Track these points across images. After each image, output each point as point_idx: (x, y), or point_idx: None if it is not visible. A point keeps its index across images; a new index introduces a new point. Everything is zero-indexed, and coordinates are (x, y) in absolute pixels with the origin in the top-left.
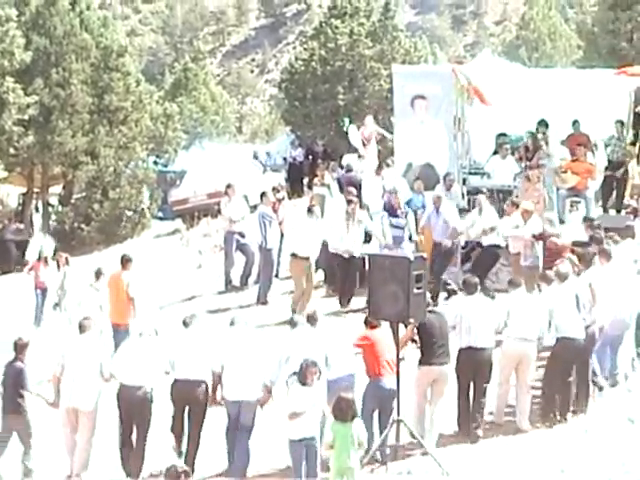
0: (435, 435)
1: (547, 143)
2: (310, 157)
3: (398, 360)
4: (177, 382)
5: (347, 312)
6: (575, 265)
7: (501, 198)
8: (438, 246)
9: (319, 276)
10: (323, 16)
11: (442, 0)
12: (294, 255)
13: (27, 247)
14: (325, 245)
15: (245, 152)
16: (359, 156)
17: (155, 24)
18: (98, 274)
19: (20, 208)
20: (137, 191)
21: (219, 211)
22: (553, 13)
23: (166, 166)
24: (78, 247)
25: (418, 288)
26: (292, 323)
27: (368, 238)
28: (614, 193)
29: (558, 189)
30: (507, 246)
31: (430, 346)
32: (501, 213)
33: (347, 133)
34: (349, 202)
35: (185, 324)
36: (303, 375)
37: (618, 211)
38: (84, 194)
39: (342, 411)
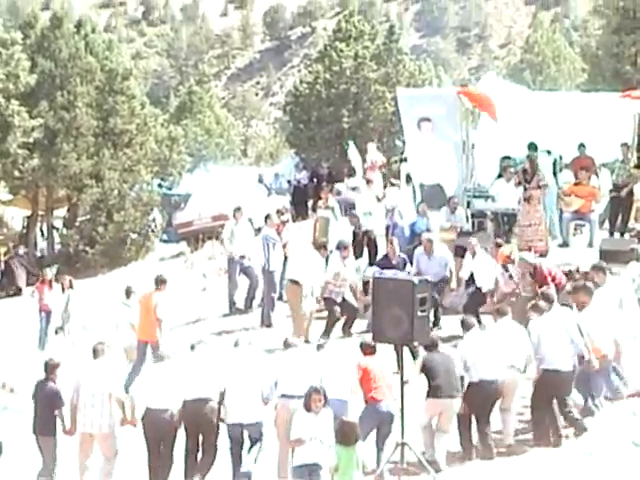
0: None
1: (537, 166)
2: (315, 180)
3: (402, 383)
4: (186, 404)
5: (351, 335)
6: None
7: (505, 221)
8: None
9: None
10: (328, 39)
11: (447, 23)
12: (293, 281)
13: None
14: None
15: (250, 175)
16: (367, 181)
17: (160, 47)
18: (128, 292)
19: (25, 231)
20: (142, 214)
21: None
22: (557, 36)
23: (171, 189)
24: (83, 270)
25: (422, 311)
26: (285, 345)
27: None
28: (619, 217)
29: (562, 212)
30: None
31: (433, 381)
32: (506, 237)
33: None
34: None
35: (192, 348)
36: (307, 402)
37: (622, 234)
38: (89, 217)
39: (345, 435)
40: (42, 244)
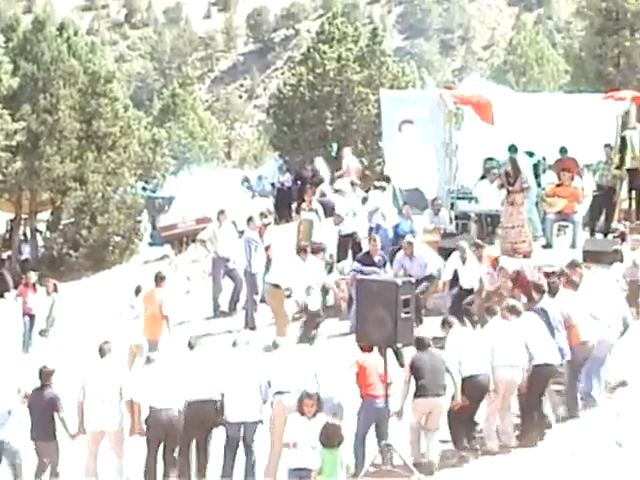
0: (434, 461)
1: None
2: (298, 182)
3: (386, 385)
4: (191, 404)
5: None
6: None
7: (489, 222)
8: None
9: None
10: (311, 41)
11: (430, 25)
12: (274, 285)
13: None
14: None
15: (234, 177)
16: (352, 184)
17: (143, 50)
18: (137, 291)
19: (8, 235)
20: (126, 217)
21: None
22: (540, 38)
23: (154, 192)
24: (67, 273)
25: (406, 312)
26: (274, 345)
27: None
28: (602, 217)
29: (545, 214)
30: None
31: (421, 380)
32: (489, 238)
33: (335, 158)
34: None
35: (190, 346)
36: (299, 406)
37: (605, 235)
38: (72, 220)
39: (329, 437)
40: (26, 247)
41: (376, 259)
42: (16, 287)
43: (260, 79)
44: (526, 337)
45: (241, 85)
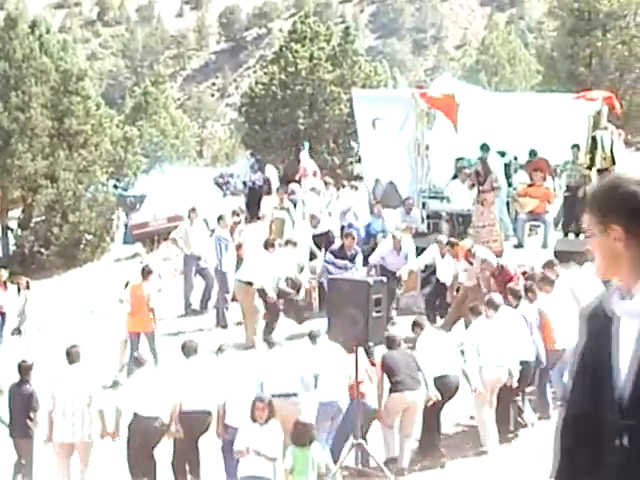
0: (407, 459)
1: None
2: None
3: (357, 383)
4: (190, 413)
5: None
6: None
7: (460, 222)
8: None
9: None
10: (283, 40)
11: (403, 25)
12: (245, 282)
13: None
14: None
15: (205, 176)
16: (325, 183)
17: (115, 48)
18: (127, 286)
19: None
20: (97, 215)
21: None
22: (513, 38)
23: (126, 190)
24: (38, 271)
25: (377, 312)
26: (269, 344)
27: None
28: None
29: (517, 214)
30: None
31: (395, 377)
32: (461, 238)
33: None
34: None
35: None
36: (252, 411)
37: (577, 235)
38: (44, 218)
39: (300, 436)
40: None
41: (349, 253)
42: None
43: (232, 78)
44: (506, 334)
45: (213, 84)
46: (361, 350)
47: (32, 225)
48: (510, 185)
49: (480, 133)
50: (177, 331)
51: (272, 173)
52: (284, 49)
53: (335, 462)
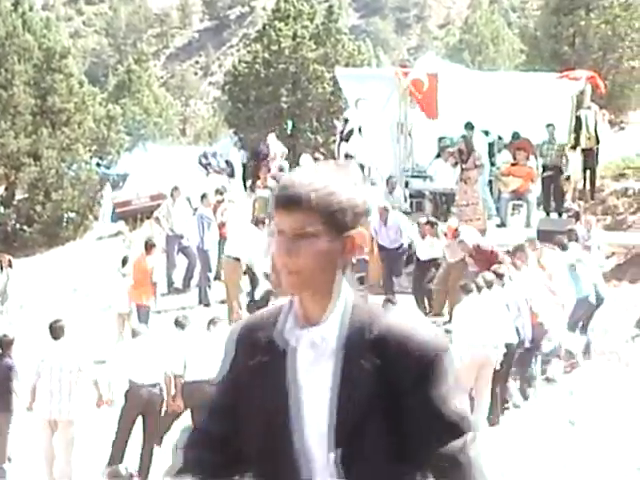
0: None
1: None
2: (254, 160)
3: None
4: (192, 383)
5: None
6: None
7: (443, 201)
8: (386, 251)
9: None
10: (267, 19)
11: (386, 3)
12: (233, 258)
13: None
14: None
15: (188, 154)
16: (315, 160)
17: (98, 26)
18: (124, 261)
19: None
20: (80, 193)
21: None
22: (496, 17)
23: (109, 168)
24: (20, 249)
25: (359, 290)
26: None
27: None
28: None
29: (500, 193)
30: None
31: None
32: (444, 217)
33: (290, 135)
34: None
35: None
36: None
37: (560, 214)
38: (26, 196)
39: None
40: None
41: None
42: None
43: (215, 56)
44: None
45: (196, 62)
46: None
47: (15, 203)
48: (493, 164)
49: (463, 112)
50: (160, 309)
51: (274, 142)
52: (267, 27)
53: None
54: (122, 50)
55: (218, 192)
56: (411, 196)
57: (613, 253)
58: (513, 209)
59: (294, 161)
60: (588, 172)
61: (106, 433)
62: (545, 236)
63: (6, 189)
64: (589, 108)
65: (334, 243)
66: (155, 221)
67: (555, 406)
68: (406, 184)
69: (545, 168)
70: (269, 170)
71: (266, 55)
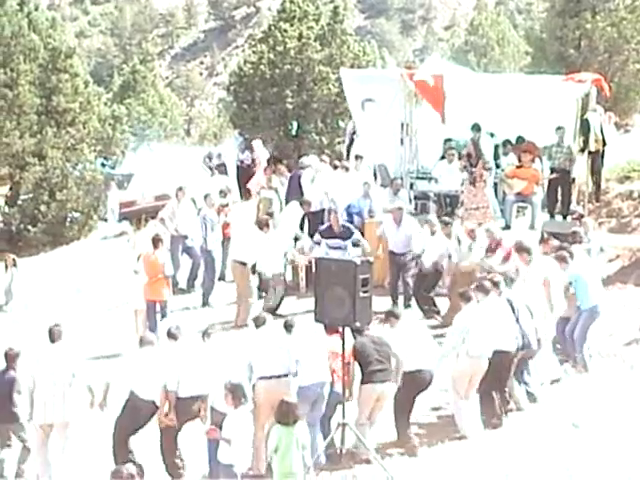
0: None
1: (480, 148)
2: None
3: (344, 364)
4: (185, 399)
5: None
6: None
7: (448, 203)
8: (396, 256)
9: None
10: (272, 19)
11: (391, 5)
12: (239, 262)
13: None
14: None
15: (193, 155)
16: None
17: (104, 26)
18: (139, 258)
19: None
20: (84, 193)
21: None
22: (502, 19)
23: (113, 168)
24: (25, 248)
25: (364, 292)
26: (257, 323)
27: None
28: (559, 199)
29: (505, 195)
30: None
31: (367, 367)
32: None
33: (295, 136)
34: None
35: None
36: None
37: (564, 217)
38: (31, 195)
39: (284, 415)
40: None
41: (337, 231)
42: None
43: (220, 56)
44: (491, 322)
45: (201, 62)
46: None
47: (19, 203)
48: (498, 167)
49: (468, 114)
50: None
51: (260, 149)
52: (273, 28)
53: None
54: (127, 50)
55: (222, 193)
56: (416, 198)
57: (618, 256)
58: (518, 211)
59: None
60: (594, 175)
61: (102, 436)
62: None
63: (10, 189)
64: (595, 111)
65: None
66: (160, 222)
67: (559, 409)
68: (411, 186)
69: (553, 171)
70: (274, 171)
71: (271, 56)
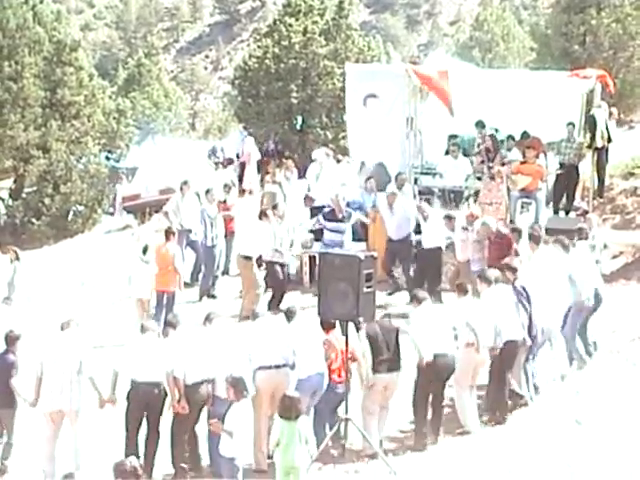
0: (380, 436)
1: (498, 143)
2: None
3: (347, 359)
4: (191, 385)
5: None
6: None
7: (452, 198)
8: (392, 242)
9: None
10: (277, 14)
11: (397, 0)
12: (244, 257)
13: None
14: None
15: (198, 148)
16: (327, 154)
17: (109, 19)
18: (145, 249)
19: None
20: (88, 186)
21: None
22: (507, 15)
23: (118, 161)
24: (28, 241)
25: (368, 287)
26: (253, 316)
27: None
28: (564, 195)
29: (509, 191)
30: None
31: (376, 356)
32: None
33: (300, 131)
34: None
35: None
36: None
37: (568, 213)
38: (35, 188)
39: (286, 409)
40: None
41: (340, 216)
42: None
43: (225, 50)
44: (494, 313)
45: (206, 56)
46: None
47: (23, 196)
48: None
49: (473, 110)
50: None
51: (252, 146)
52: (278, 23)
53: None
54: (132, 43)
55: (226, 187)
56: (420, 193)
57: (621, 252)
58: (522, 207)
59: (304, 157)
60: (598, 171)
61: (113, 424)
62: (554, 234)
63: (15, 181)
64: (599, 107)
65: None
66: (164, 215)
67: (562, 405)
68: (415, 181)
69: (562, 166)
70: (278, 165)
71: (276, 50)
